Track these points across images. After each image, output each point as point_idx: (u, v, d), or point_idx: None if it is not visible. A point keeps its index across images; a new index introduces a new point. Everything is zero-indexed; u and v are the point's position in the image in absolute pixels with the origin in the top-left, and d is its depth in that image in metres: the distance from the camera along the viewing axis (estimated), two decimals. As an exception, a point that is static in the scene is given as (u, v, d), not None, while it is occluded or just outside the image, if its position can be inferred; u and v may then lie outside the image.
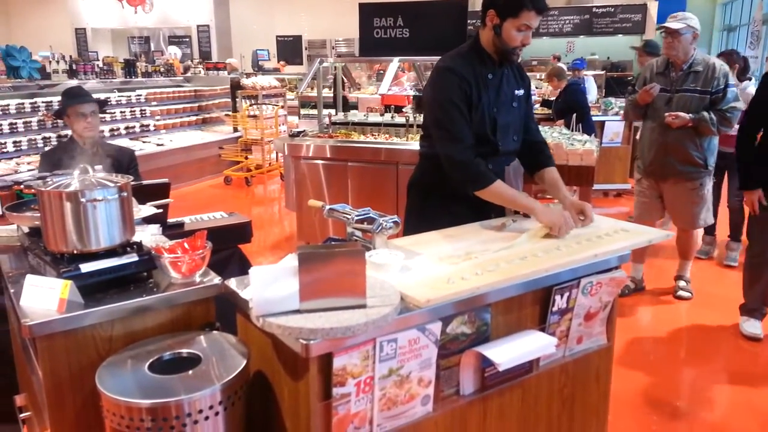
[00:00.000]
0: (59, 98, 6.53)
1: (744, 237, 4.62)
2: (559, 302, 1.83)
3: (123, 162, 3.36)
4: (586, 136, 5.06)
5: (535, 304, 1.82)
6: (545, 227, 2.03)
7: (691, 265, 4.20)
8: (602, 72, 10.08)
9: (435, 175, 2.26)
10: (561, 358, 1.93)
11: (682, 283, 4.18)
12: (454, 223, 2.17)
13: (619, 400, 2.76)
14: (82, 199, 1.58)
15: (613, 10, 12.39)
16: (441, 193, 2.30)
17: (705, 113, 3.64)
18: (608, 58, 12.73)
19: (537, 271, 1.73)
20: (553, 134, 5.08)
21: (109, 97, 7.33)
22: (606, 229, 2.10)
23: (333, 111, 6.08)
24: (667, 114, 3.71)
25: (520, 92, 2.33)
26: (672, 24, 3.64)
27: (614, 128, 6.84)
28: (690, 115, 3.66)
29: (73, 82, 6.90)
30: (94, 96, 3.44)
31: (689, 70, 3.71)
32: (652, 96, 3.80)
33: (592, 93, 7.41)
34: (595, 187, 4.75)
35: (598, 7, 12.61)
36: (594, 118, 6.45)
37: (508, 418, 1.83)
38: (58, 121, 6.60)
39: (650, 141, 3.88)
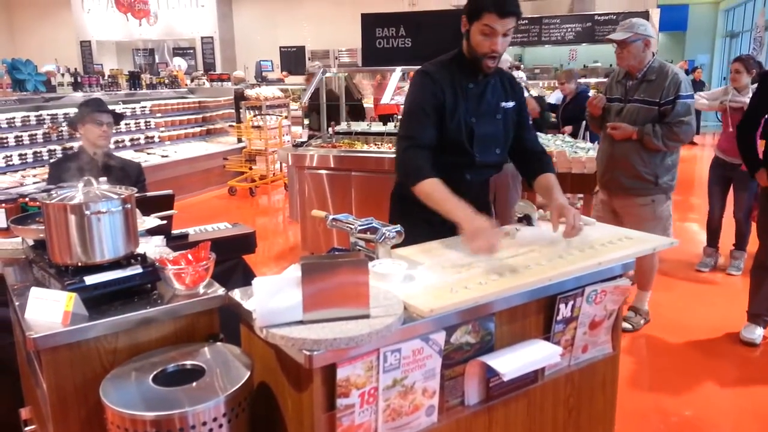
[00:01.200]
0: (65, 111, 6.64)
1: (749, 247, 4.61)
2: (564, 311, 1.82)
3: (131, 175, 3.41)
4: (589, 144, 5.06)
5: (540, 313, 1.81)
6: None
7: (650, 296, 3.83)
8: (605, 79, 10.09)
9: None
10: (566, 367, 1.92)
11: (630, 314, 3.76)
12: (431, 233, 2.07)
13: (626, 409, 2.74)
14: (86, 212, 1.59)
15: (615, 17, 12.40)
16: (416, 202, 2.16)
17: (649, 125, 3.36)
18: (611, 65, 12.74)
19: (541, 280, 1.73)
20: (556, 142, 5.08)
21: (115, 109, 7.38)
22: (609, 237, 2.09)
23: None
24: (608, 125, 3.52)
25: (509, 104, 2.27)
26: (617, 35, 3.39)
27: None
28: (635, 127, 3.40)
29: (78, 95, 6.95)
30: None
31: (643, 78, 3.44)
32: (598, 107, 3.60)
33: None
34: (599, 194, 4.74)
35: (600, 14, 12.65)
36: None
37: (514, 428, 1.82)
38: (64, 133, 6.66)
39: (602, 152, 3.69)
